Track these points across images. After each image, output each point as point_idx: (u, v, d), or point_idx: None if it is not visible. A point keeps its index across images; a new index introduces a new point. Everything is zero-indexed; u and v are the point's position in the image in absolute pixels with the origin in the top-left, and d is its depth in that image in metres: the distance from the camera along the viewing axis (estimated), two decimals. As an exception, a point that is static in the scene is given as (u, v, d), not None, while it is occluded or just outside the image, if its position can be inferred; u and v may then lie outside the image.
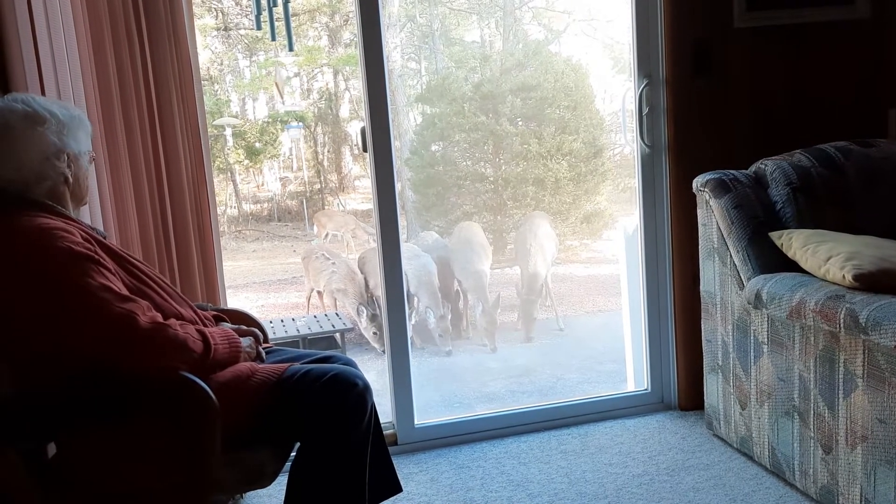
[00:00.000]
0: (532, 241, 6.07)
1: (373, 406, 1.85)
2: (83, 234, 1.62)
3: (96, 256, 1.58)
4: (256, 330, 1.95)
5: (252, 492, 2.43)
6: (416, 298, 5.64)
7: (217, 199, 2.69)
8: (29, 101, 1.66)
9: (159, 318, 1.59)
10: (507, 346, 5.70)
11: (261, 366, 1.81)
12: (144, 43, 2.31)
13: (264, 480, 1.71)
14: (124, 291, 1.58)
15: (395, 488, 2.05)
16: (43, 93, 1.94)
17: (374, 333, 5.65)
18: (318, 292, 6.76)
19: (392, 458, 2.07)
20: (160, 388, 1.57)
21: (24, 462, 1.53)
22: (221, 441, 1.57)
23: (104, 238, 1.74)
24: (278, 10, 5.17)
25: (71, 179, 1.70)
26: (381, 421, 2.05)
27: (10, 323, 1.55)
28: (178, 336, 1.58)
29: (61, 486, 1.60)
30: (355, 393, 1.76)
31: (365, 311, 5.75)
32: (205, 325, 1.80)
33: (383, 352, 5.53)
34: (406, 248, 5.52)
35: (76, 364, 1.55)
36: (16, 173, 1.62)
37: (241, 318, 2.08)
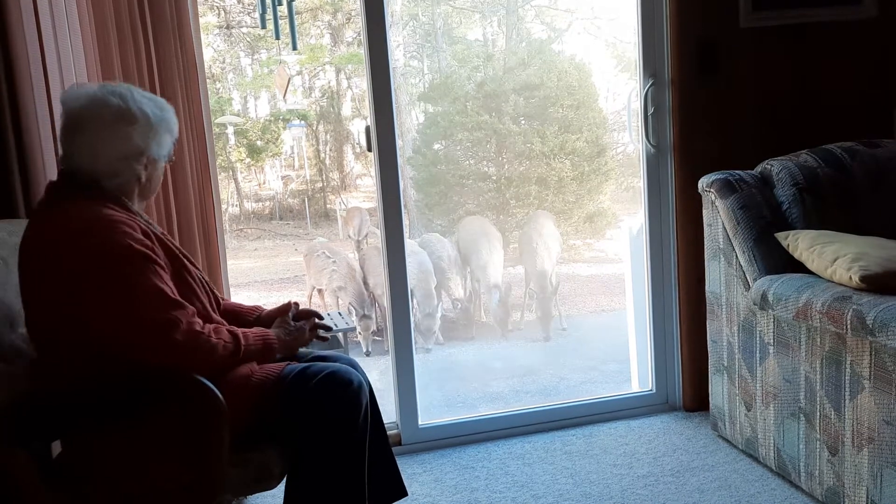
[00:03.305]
0: (538, 240, 6.04)
1: (368, 404, 1.82)
2: (142, 229, 1.63)
3: (153, 255, 1.58)
4: (314, 312, 1.97)
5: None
6: (413, 298, 5.61)
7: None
8: (126, 98, 1.65)
9: (199, 324, 1.59)
10: (510, 346, 5.69)
11: (259, 365, 1.81)
12: (150, 42, 2.31)
13: (272, 481, 1.71)
14: (175, 295, 1.59)
15: (401, 492, 2.03)
16: (48, 92, 1.93)
17: (360, 333, 5.64)
18: (319, 290, 6.75)
19: (396, 459, 2.04)
20: (169, 389, 1.57)
21: (33, 461, 1.53)
22: (229, 441, 1.57)
23: (163, 235, 1.74)
24: (282, 9, 5.16)
25: (144, 180, 1.71)
26: (385, 421, 2.02)
27: (45, 303, 1.57)
28: (210, 342, 1.60)
29: (69, 486, 1.60)
30: (350, 391, 1.75)
31: (354, 310, 5.72)
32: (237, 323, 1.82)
33: (367, 354, 5.53)
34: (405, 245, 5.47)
35: (101, 355, 1.56)
36: (91, 164, 1.63)
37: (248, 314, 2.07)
